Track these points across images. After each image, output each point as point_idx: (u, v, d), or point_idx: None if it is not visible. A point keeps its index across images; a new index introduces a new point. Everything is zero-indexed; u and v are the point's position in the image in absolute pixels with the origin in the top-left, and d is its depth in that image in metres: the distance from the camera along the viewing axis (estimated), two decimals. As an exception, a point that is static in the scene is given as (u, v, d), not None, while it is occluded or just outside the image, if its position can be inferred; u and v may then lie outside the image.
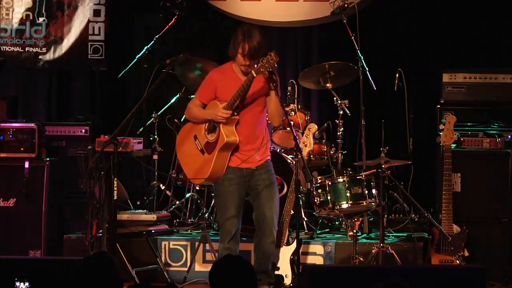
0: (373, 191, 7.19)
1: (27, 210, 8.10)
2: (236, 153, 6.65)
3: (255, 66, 6.48)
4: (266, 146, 6.80)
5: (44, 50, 9.40)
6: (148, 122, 8.47)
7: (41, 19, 9.39)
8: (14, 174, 8.11)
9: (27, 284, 5.09)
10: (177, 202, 8.43)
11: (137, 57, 8.53)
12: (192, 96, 8.18)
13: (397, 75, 8.12)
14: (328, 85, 8.26)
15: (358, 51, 8.13)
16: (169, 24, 8.57)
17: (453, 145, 7.44)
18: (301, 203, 7.63)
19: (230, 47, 6.58)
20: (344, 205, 7.19)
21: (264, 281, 6.69)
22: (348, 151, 8.43)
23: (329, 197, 7.19)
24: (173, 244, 7.78)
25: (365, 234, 7.87)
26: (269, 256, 6.71)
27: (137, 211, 7.89)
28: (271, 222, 6.67)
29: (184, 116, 7.01)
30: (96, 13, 9.38)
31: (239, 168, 6.66)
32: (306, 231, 7.93)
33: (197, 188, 8.34)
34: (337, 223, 8.27)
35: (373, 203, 7.21)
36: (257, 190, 6.69)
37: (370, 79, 8.10)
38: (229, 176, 6.64)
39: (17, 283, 5.08)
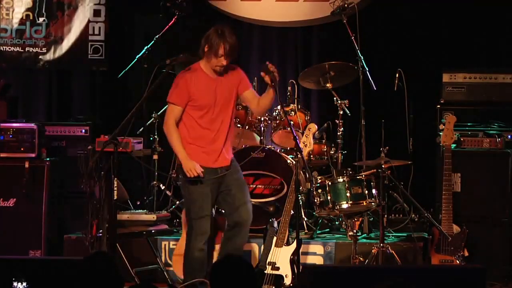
0: (373, 191, 7.19)
1: (27, 210, 8.10)
2: (206, 152, 6.65)
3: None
4: (230, 143, 6.84)
5: (44, 50, 9.40)
6: (148, 122, 8.46)
7: (41, 19, 9.39)
8: (14, 174, 8.11)
9: (24, 284, 5.09)
10: (177, 202, 8.43)
11: (137, 57, 8.52)
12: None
13: (397, 75, 8.12)
14: (328, 85, 8.26)
15: (358, 51, 8.14)
16: (169, 24, 8.57)
17: (453, 145, 7.44)
18: (301, 203, 7.64)
19: (203, 47, 6.60)
20: (344, 205, 7.19)
21: None
22: (348, 151, 8.43)
23: (329, 197, 7.19)
24: (173, 244, 7.78)
25: (365, 234, 7.87)
26: (240, 251, 6.76)
27: (137, 211, 7.89)
28: (248, 224, 6.70)
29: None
30: (96, 13, 9.38)
31: (213, 168, 6.65)
32: (306, 231, 7.94)
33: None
34: (337, 223, 8.26)
35: (373, 203, 7.22)
36: (230, 190, 6.67)
37: (370, 79, 8.10)
38: (206, 177, 6.62)
39: (15, 283, 5.08)
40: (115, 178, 6.52)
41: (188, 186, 6.70)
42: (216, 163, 6.66)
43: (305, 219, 7.98)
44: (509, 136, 7.83)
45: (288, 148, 8.19)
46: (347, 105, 8.27)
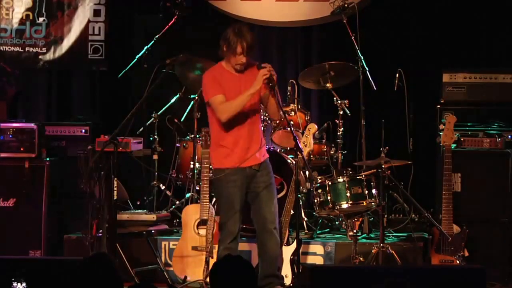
0: (373, 191, 7.19)
1: (27, 210, 8.10)
2: (237, 153, 6.63)
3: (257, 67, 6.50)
4: (264, 146, 6.80)
5: (44, 50, 9.40)
6: (148, 122, 8.46)
7: (41, 19, 9.39)
8: (14, 174, 8.12)
9: (24, 284, 5.09)
10: (177, 202, 8.43)
11: (137, 57, 8.52)
12: (192, 95, 8.22)
13: (397, 75, 8.12)
14: (328, 85, 8.26)
15: (358, 51, 8.14)
16: (169, 24, 8.57)
17: (453, 145, 7.44)
18: (301, 203, 7.63)
19: (222, 47, 6.60)
20: (344, 205, 7.19)
21: (275, 283, 6.67)
22: (348, 151, 8.43)
23: (329, 197, 7.19)
24: (173, 244, 7.78)
25: (365, 234, 7.87)
26: (276, 258, 6.70)
27: (137, 211, 7.89)
28: (272, 224, 6.65)
29: (219, 116, 6.92)
30: (96, 13, 9.37)
31: (242, 168, 6.63)
32: (306, 231, 7.94)
33: (197, 188, 8.35)
34: (337, 223, 8.27)
35: (373, 203, 7.22)
36: (256, 192, 6.66)
37: (370, 79, 8.10)
38: (232, 178, 6.61)
39: (14, 284, 5.08)
40: (115, 178, 6.53)
41: (217, 189, 6.76)
42: (243, 163, 6.61)
43: (305, 219, 7.98)
44: (509, 136, 7.83)
45: (288, 148, 8.19)
46: (347, 105, 8.27)
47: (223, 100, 6.56)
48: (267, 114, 8.21)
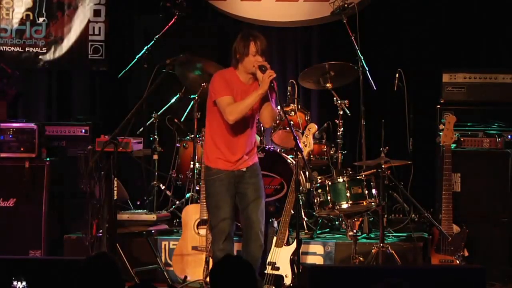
0: (373, 191, 7.19)
1: (27, 210, 8.10)
2: (228, 157, 6.63)
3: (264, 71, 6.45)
4: (255, 149, 6.79)
5: (44, 50, 9.41)
6: (148, 122, 8.47)
7: (41, 19, 9.39)
8: (14, 174, 8.12)
9: (24, 283, 5.09)
10: (177, 202, 8.44)
11: (137, 57, 8.52)
12: (192, 96, 8.21)
13: (397, 75, 8.12)
14: (328, 85, 8.26)
15: (358, 51, 8.14)
16: (169, 24, 8.57)
17: (453, 145, 7.44)
18: (301, 203, 7.63)
19: (235, 53, 6.53)
20: (344, 205, 7.19)
21: None
22: (348, 151, 8.44)
23: (329, 197, 7.19)
24: (173, 244, 7.78)
25: (365, 234, 7.87)
26: (257, 261, 6.67)
27: (137, 211, 7.89)
28: (257, 226, 6.64)
29: (226, 117, 6.93)
30: (96, 13, 9.38)
31: (230, 171, 6.64)
32: (306, 231, 7.94)
33: (197, 188, 8.35)
34: (337, 223, 8.27)
35: (373, 203, 7.22)
36: (245, 193, 6.64)
37: (370, 79, 8.10)
38: (220, 177, 6.61)
39: (14, 282, 5.09)
40: (115, 178, 6.53)
41: (207, 190, 6.72)
42: (233, 167, 6.62)
43: (305, 219, 7.98)
44: (509, 136, 7.83)
45: (288, 148, 8.19)
46: (347, 105, 8.27)
47: (231, 102, 6.49)
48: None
